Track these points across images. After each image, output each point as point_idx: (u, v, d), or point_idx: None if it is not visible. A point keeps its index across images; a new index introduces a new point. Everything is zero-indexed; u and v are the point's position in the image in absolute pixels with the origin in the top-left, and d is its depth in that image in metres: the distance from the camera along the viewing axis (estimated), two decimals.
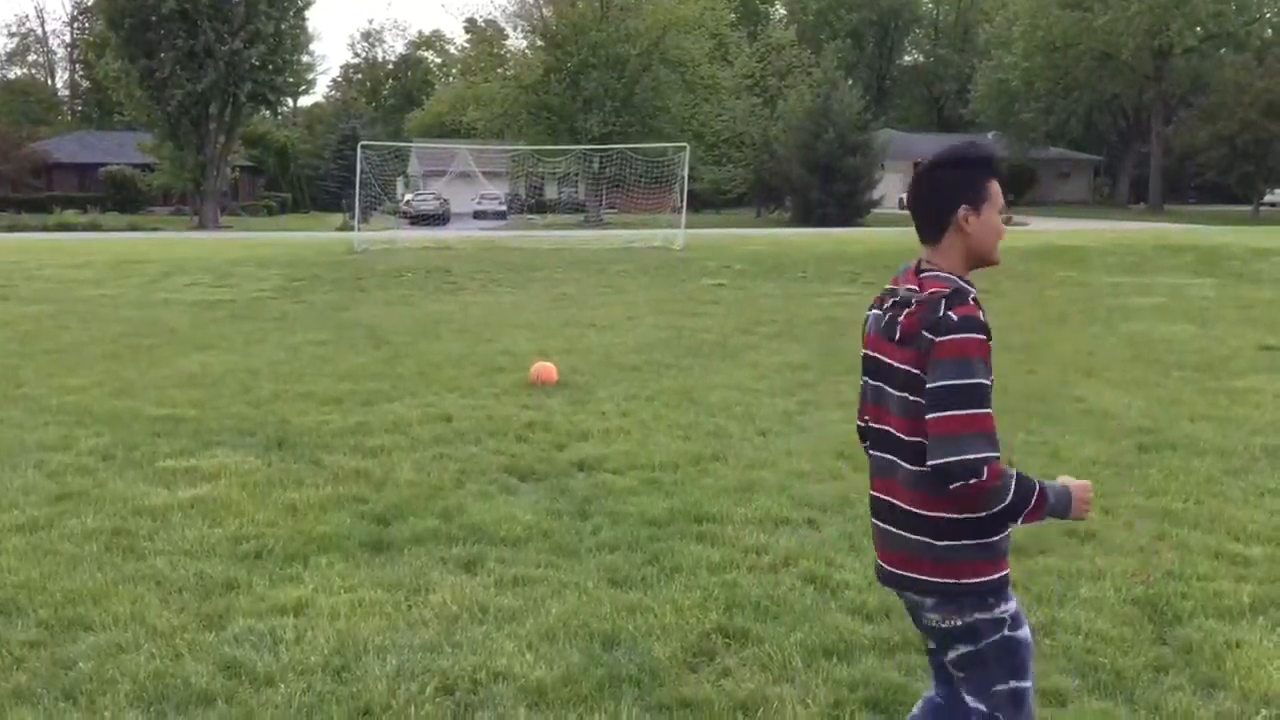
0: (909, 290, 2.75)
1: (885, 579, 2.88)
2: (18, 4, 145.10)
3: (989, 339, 2.65)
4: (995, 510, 2.64)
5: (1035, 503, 2.65)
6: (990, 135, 71.57)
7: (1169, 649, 4.40)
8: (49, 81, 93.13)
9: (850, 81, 56.38)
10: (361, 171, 34.21)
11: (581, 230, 43.68)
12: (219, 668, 4.22)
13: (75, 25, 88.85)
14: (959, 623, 2.74)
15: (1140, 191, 68.10)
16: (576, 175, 55.92)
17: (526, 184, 57.12)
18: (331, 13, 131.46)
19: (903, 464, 2.74)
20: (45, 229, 43.99)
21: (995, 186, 2.82)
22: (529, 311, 16.18)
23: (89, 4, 73.51)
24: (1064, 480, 2.75)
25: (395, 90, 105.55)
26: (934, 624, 2.79)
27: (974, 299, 2.71)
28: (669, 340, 12.98)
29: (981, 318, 2.66)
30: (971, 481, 2.58)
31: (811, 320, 14.99)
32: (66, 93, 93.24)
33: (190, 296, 18.12)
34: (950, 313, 2.63)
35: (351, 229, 36.58)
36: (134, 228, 45.64)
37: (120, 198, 57.81)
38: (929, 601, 2.76)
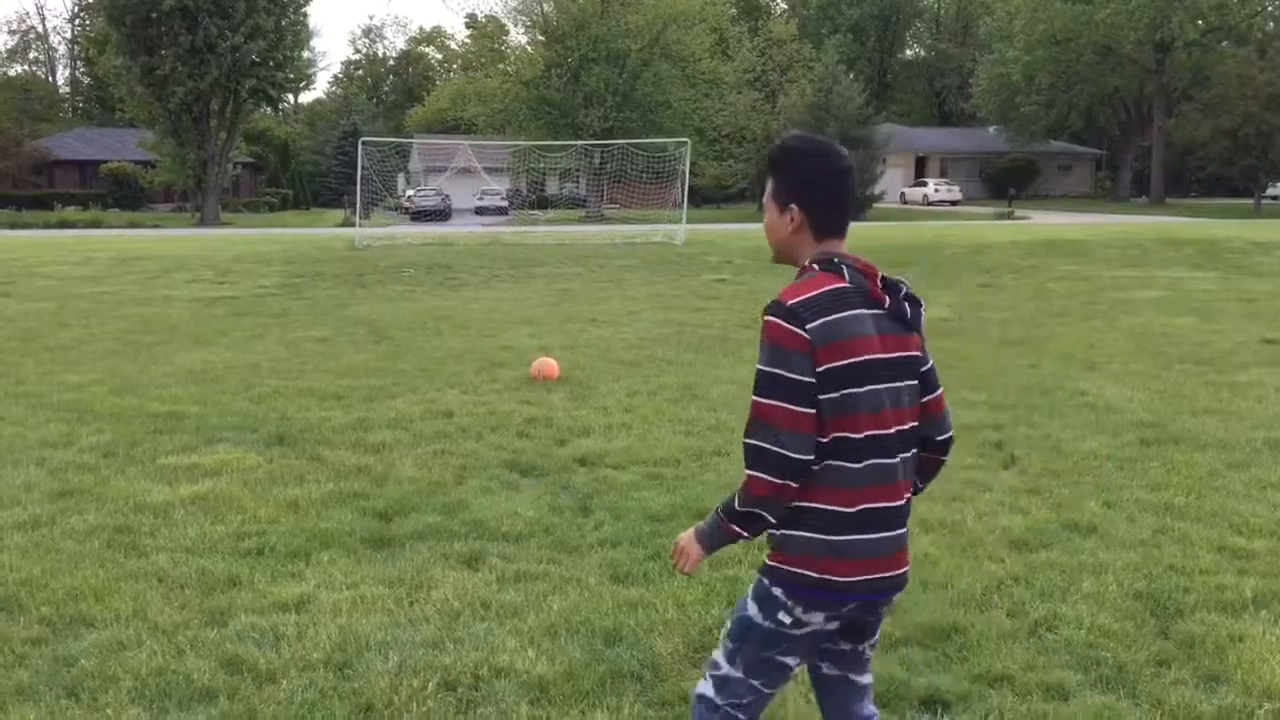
0: (885, 276, 2.67)
1: (896, 586, 2.71)
2: (18, 1, 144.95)
3: None
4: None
5: None
6: (991, 129, 71.63)
7: (1171, 643, 4.40)
8: (50, 78, 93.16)
9: (851, 76, 56.37)
10: (363, 167, 34.18)
11: (583, 226, 43.64)
12: (221, 664, 4.22)
13: (76, 22, 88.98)
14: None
15: (1142, 185, 68.02)
16: (578, 171, 55.89)
17: (528, 180, 57.05)
18: (332, 8, 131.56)
19: (911, 456, 2.73)
20: (46, 226, 44.01)
21: None
22: (530, 307, 16.17)
23: (90, 0, 73.53)
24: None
25: (396, 86, 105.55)
26: (885, 613, 2.84)
27: None
28: (670, 335, 12.98)
29: None
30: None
31: None
32: (68, 89, 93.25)
33: (191, 293, 18.12)
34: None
35: (353, 225, 36.57)
36: (135, 224, 45.66)
37: (121, 194, 57.81)
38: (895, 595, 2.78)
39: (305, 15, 51.91)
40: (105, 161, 60.71)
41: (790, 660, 2.72)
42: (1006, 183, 67.29)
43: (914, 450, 2.71)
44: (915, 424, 2.69)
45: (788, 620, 2.64)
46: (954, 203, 64.37)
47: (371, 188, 39.08)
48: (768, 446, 2.54)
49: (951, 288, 18.29)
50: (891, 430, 2.62)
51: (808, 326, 2.50)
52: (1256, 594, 4.83)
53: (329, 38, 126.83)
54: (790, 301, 2.54)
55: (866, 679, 2.86)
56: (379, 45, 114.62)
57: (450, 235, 34.85)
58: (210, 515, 6.07)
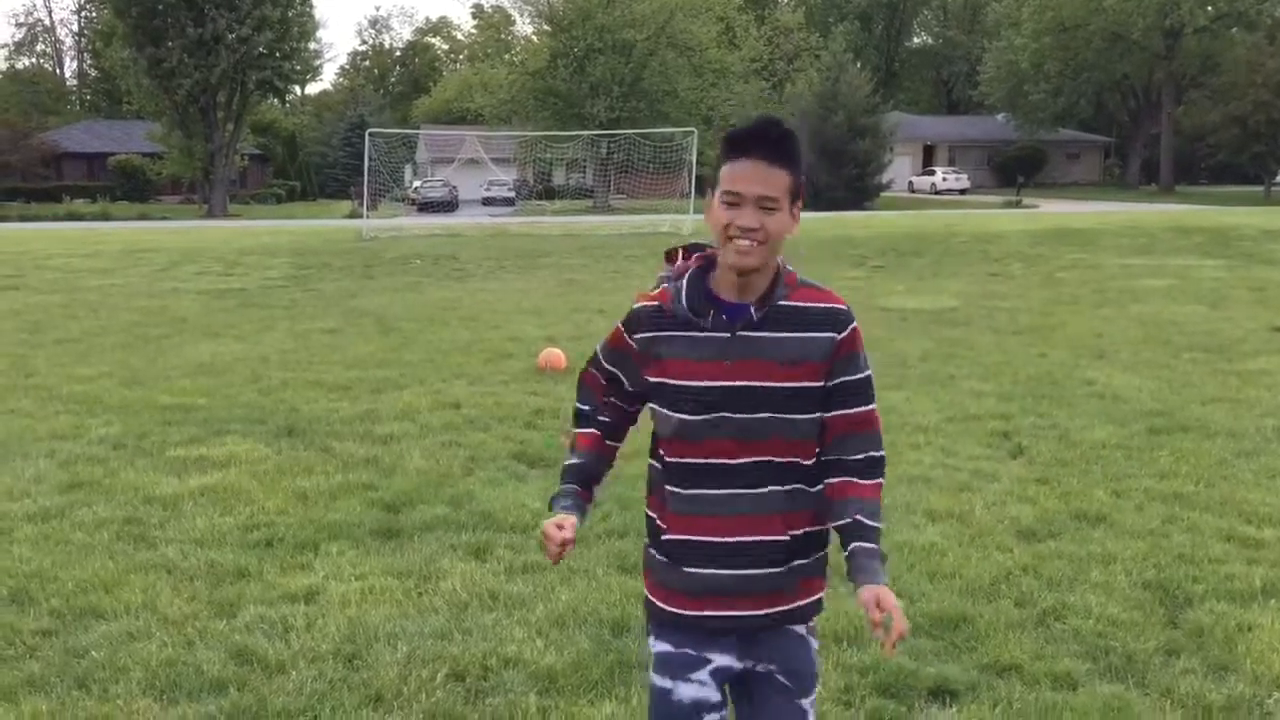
0: None
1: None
2: None
3: (624, 327, 2.48)
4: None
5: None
6: (1000, 117, 71.35)
7: (1180, 632, 4.39)
8: (57, 71, 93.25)
9: (859, 64, 56.13)
10: (370, 159, 34.18)
11: (590, 216, 43.62)
12: (230, 655, 4.23)
13: (83, 14, 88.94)
14: None
15: (1151, 173, 67.71)
16: (584, 161, 55.80)
17: (534, 170, 57.02)
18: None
19: None
20: (55, 219, 44.10)
21: (726, 169, 2.33)
22: (537, 298, 16.17)
23: None
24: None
25: (403, 77, 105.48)
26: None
27: (661, 286, 2.49)
28: None
29: (635, 306, 2.47)
30: None
31: None
32: (75, 82, 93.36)
33: (199, 285, 18.15)
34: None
35: (360, 216, 36.59)
36: (143, 217, 45.73)
37: (129, 187, 57.89)
38: None
39: (311, 6, 51.95)
40: (113, 154, 60.80)
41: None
42: (1015, 171, 67.00)
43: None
44: None
45: None
46: (962, 191, 64.19)
47: (379, 179, 39.06)
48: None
49: (959, 277, 18.25)
50: None
51: None
52: (1266, 583, 4.82)
53: (335, 29, 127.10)
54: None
55: None
56: (385, 36, 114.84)
57: (457, 226, 34.85)
58: (219, 507, 6.08)
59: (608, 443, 2.64)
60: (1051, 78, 63.65)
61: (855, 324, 2.41)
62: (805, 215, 3.11)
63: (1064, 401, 8.55)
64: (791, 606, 2.44)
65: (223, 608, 4.70)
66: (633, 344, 2.45)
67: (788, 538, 2.40)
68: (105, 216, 45.48)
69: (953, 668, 4.07)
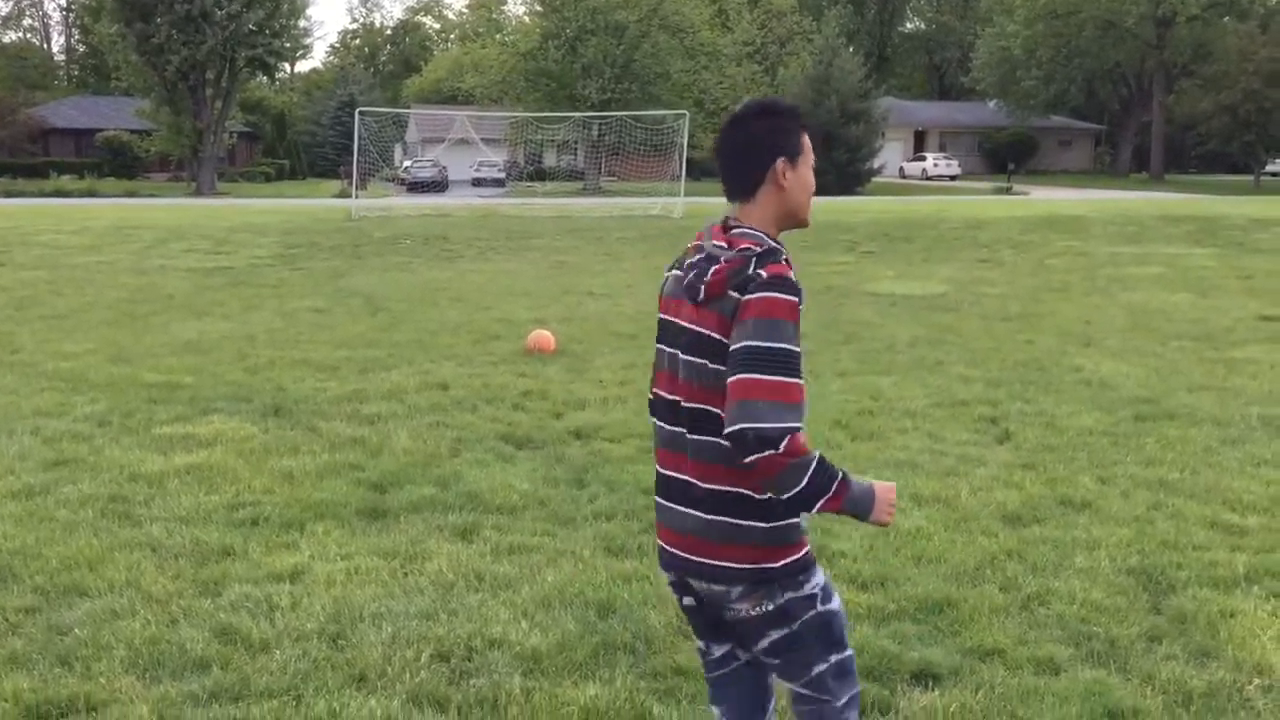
0: (716, 247, 2.53)
1: (672, 564, 2.66)
2: None
3: (801, 302, 2.46)
4: (789, 495, 2.41)
5: (835, 492, 2.42)
6: (991, 103, 71.33)
7: (1163, 618, 4.41)
8: (45, 46, 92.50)
9: (851, 49, 56.10)
10: (359, 138, 34.04)
11: (580, 198, 43.52)
12: (214, 634, 4.22)
13: None
14: (770, 607, 2.56)
15: (1141, 161, 67.83)
16: (576, 142, 55.67)
17: (525, 151, 56.81)
18: None
19: (691, 435, 2.55)
20: (42, 195, 43.78)
21: (808, 139, 2.60)
22: (527, 279, 16.14)
23: None
24: (872, 482, 2.53)
25: (393, 56, 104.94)
26: (742, 614, 2.59)
27: (786, 259, 2.50)
28: None
29: (794, 278, 2.47)
30: (767, 454, 2.34)
31: (810, 289, 14.81)
32: (63, 57, 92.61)
33: (187, 263, 18.07)
34: (760, 270, 2.43)
35: (349, 196, 36.44)
36: (131, 194, 45.43)
37: (117, 163, 57.47)
38: (735, 590, 2.56)
39: None
40: (101, 130, 60.35)
41: (697, 641, 2.87)
42: (1006, 157, 67.08)
43: (687, 427, 2.55)
44: (684, 400, 2.55)
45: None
46: (953, 177, 64.24)
47: (368, 158, 38.93)
48: None
49: (949, 263, 18.26)
50: (665, 395, 2.63)
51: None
52: (1249, 570, 4.84)
53: (326, 6, 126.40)
54: None
55: (744, 699, 2.83)
56: (376, 14, 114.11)
57: (447, 206, 34.75)
58: (205, 485, 6.06)
59: None
60: (1043, 64, 63.65)
61: None
62: None
63: (1051, 388, 8.57)
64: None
65: (207, 586, 4.69)
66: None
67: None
68: (92, 193, 45.14)
69: (936, 651, 4.08)
